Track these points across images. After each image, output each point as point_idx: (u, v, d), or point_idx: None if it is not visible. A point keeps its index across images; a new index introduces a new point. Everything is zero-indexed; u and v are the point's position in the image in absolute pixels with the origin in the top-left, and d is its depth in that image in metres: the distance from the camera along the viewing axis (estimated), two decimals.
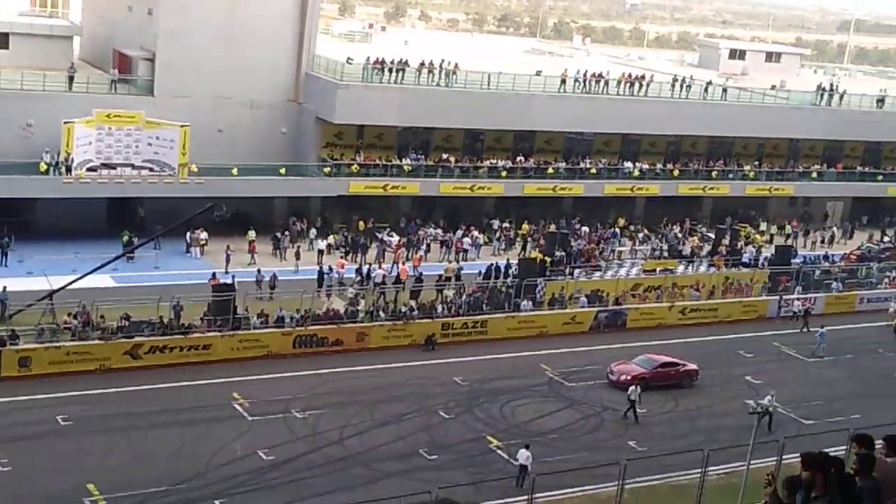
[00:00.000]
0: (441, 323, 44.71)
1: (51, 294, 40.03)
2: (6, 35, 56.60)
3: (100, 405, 35.03)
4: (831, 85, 74.09)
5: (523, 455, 31.93)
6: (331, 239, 54.83)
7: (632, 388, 38.14)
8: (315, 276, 48.41)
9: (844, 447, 25.10)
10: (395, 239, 56.72)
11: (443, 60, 60.53)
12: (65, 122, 50.10)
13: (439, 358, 42.80)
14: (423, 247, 56.66)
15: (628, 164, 66.20)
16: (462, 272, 51.72)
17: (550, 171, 63.20)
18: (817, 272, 57.76)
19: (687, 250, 59.80)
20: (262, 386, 37.90)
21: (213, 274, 46.03)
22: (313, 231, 55.43)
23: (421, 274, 50.29)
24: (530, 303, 47.52)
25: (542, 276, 49.35)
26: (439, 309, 45.55)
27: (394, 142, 61.12)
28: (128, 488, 29.53)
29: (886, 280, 57.96)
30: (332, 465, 32.51)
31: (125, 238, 49.46)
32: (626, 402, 38.13)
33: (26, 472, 30.04)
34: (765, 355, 47.20)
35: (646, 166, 66.57)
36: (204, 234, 52.52)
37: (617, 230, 62.79)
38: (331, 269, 49.47)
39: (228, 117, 56.10)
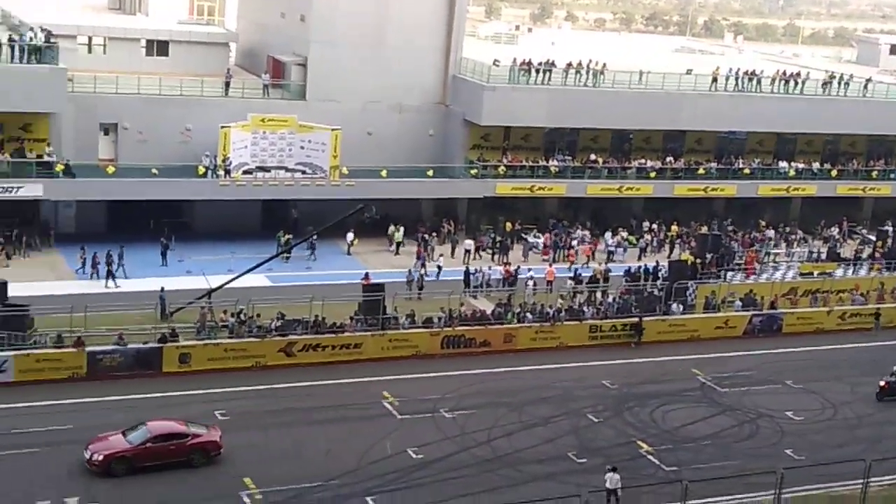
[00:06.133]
0: (589, 325, 44.32)
1: (209, 293, 41.37)
2: (166, 43, 58.81)
3: (255, 401, 35.94)
4: None
5: (612, 479, 30.11)
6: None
7: None
8: (461, 277, 48.67)
9: None
10: (542, 240, 56.57)
11: (590, 60, 60.00)
12: (221, 127, 51.72)
13: (587, 360, 42.37)
14: (574, 248, 56.32)
15: (783, 164, 64.31)
16: (610, 274, 51.12)
17: (701, 171, 61.94)
18: None
19: (846, 252, 57.61)
20: (412, 385, 38.25)
21: (366, 274, 46.69)
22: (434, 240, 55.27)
23: (578, 273, 50.30)
24: (681, 306, 46.59)
25: (693, 278, 48.34)
26: (587, 312, 45.11)
27: (540, 143, 60.89)
28: (282, 483, 30.20)
29: None
30: (480, 465, 32.52)
31: (284, 238, 50.66)
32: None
33: (186, 465, 30.95)
34: None
35: (802, 166, 64.54)
36: (351, 235, 53.43)
37: (770, 232, 61.14)
38: (478, 270, 49.60)
39: (377, 120, 56.95)
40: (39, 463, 30.34)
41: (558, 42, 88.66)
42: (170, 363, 37.61)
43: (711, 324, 46.60)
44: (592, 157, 60.55)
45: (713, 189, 61.89)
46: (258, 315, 39.88)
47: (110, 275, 45.82)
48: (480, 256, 53.38)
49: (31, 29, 50.35)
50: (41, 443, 31.44)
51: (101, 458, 30.07)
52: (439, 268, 50.92)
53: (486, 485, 31.11)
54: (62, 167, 48.96)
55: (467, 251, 53.42)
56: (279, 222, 53.77)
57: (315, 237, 50.07)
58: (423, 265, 50.56)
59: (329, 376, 38.43)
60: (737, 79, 62.77)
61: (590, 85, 59.46)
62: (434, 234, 55.29)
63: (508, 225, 57.60)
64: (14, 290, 39.32)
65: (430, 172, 56.49)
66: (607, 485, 29.96)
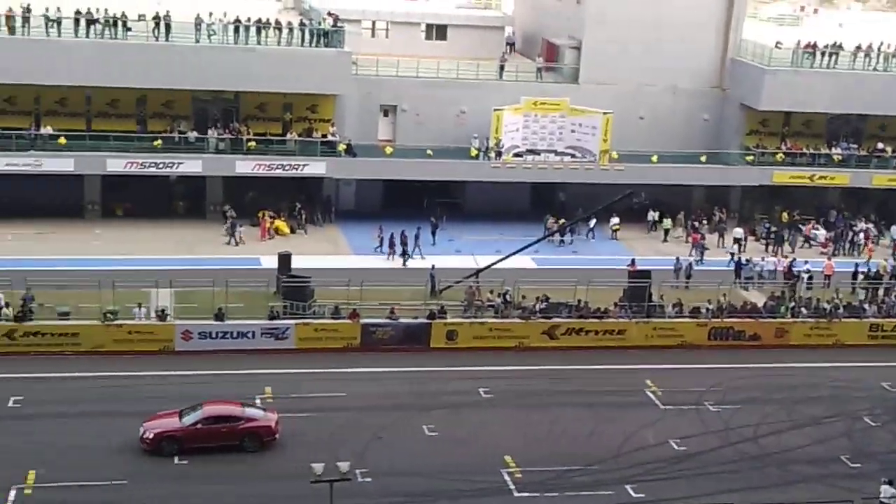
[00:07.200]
0: (869, 324, 41.91)
1: (477, 272, 42.21)
2: (445, 27, 60.43)
3: (517, 381, 36.42)
4: None
5: (887, 492, 27.93)
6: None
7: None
8: (732, 267, 47.20)
9: None
10: (822, 233, 53.94)
11: (881, 43, 56.54)
12: (495, 110, 52.47)
13: (865, 361, 40.09)
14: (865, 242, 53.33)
15: None
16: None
17: None
18: None
19: None
20: (676, 375, 37.59)
21: (632, 260, 46.15)
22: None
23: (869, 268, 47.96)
24: None
25: None
26: (868, 309, 42.64)
27: (822, 130, 57.98)
28: (542, 464, 30.44)
29: None
30: (745, 462, 31.58)
31: (560, 222, 50.86)
32: None
33: (451, 439, 31.89)
34: None
35: None
36: (615, 220, 52.91)
37: None
38: (749, 260, 47.90)
39: (650, 104, 56.03)
40: (312, 427, 31.92)
41: (846, 24, 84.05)
42: (437, 339, 38.74)
43: None
44: (880, 145, 57.07)
45: None
46: (524, 297, 40.29)
47: (405, 254, 47.59)
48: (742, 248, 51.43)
49: (325, 14, 52.93)
50: (313, 408, 33.15)
51: (151, 436, 29.86)
52: (731, 254, 49.51)
53: (752, 482, 30.18)
54: (344, 147, 51.32)
55: (737, 240, 51.64)
56: (546, 205, 54.10)
57: (594, 221, 50.91)
58: (702, 252, 49.41)
59: (591, 361, 38.34)
60: None
61: (880, 69, 56.06)
62: (705, 221, 53.84)
63: (785, 215, 55.27)
64: (297, 263, 41.83)
65: (703, 158, 55.05)
66: (881, 496, 28.24)
